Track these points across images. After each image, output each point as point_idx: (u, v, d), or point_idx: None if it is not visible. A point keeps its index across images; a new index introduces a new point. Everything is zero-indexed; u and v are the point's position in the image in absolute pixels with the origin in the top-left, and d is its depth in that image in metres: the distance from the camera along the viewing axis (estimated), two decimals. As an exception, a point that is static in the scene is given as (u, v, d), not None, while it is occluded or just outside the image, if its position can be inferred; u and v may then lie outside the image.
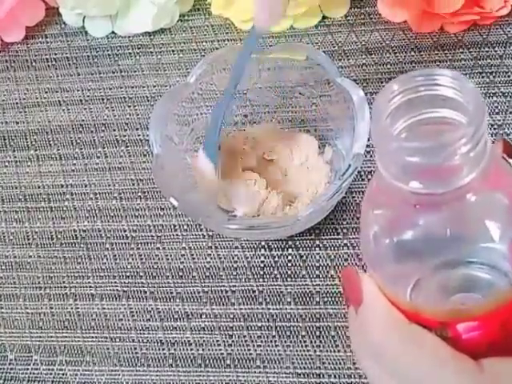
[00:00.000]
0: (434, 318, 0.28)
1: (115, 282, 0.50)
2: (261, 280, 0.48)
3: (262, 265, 0.48)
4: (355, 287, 0.29)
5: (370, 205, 0.29)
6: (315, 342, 0.45)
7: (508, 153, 0.28)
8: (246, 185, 0.49)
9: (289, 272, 0.48)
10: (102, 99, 0.59)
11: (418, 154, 0.24)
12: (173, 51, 0.60)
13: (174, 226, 0.51)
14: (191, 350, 0.47)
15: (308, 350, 0.45)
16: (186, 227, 0.51)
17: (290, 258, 0.48)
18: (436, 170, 0.25)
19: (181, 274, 0.49)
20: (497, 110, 0.51)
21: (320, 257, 0.48)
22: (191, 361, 0.46)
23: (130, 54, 0.61)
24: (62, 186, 0.55)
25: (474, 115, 0.25)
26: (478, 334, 0.28)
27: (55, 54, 0.63)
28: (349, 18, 0.58)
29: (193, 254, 0.50)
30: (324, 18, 0.59)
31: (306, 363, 0.44)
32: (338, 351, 0.44)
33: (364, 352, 0.30)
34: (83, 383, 0.47)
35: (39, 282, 0.51)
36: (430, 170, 0.25)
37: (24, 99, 0.61)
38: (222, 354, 0.46)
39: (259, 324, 0.46)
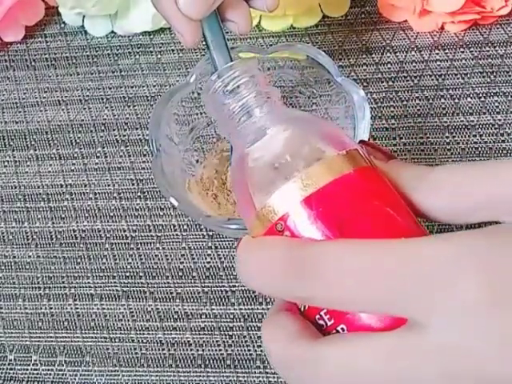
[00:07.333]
0: (266, 226, 0.28)
1: (115, 282, 0.50)
2: (261, 280, 0.48)
3: (262, 265, 0.48)
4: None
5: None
6: (315, 342, 0.45)
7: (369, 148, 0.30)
8: None
9: (289, 272, 0.47)
10: (102, 99, 0.59)
11: None
12: (172, 51, 0.60)
13: (174, 226, 0.51)
14: (191, 350, 0.46)
15: (308, 351, 0.45)
16: (185, 227, 0.51)
17: (290, 258, 0.48)
18: None
19: (181, 274, 0.49)
20: (498, 110, 0.51)
21: (320, 257, 0.47)
22: (191, 361, 0.46)
23: (129, 53, 0.61)
24: (62, 185, 0.55)
25: None
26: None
27: (55, 54, 0.63)
28: (349, 17, 0.58)
29: (193, 254, 0.50)
30: (324, 17, 0.59)
31: (306, 364, 0.44)
32: (339, 351, 0.44)
33: None
34: (83, 383, 0.47)
35: (38, 282, 0.51)
36: None
37: (23, 99, 0.61)
38: (221, 354, 0.46)
39: (259, 324, 0.46)
